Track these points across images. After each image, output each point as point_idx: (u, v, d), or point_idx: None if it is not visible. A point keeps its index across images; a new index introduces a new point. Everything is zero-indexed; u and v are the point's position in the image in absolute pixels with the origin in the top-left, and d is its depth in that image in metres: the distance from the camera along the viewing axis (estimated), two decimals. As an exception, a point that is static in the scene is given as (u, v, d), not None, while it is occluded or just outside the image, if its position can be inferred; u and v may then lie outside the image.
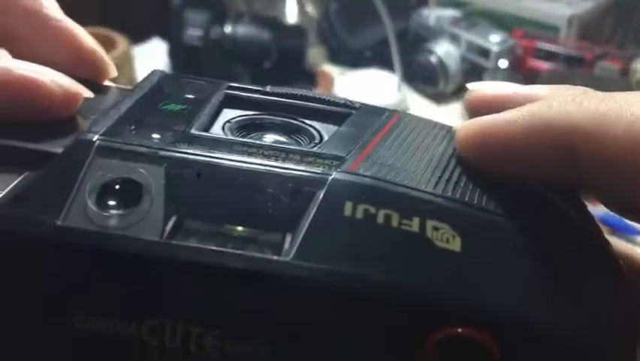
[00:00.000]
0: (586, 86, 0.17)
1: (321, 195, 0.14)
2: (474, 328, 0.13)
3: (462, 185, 0.16)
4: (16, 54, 0.18)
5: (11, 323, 0.14)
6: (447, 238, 0.14)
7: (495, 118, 0.16)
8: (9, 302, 0.14)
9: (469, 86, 0.18)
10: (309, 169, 0.15)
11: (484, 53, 0.91)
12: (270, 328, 0.14)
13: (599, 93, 0.15)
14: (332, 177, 0.15)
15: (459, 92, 0.94)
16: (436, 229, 0.14)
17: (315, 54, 1.03)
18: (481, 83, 0.18)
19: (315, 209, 0.14)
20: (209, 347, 0.13)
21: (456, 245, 0.14)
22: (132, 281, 0.13)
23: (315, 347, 0.14)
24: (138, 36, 0.98)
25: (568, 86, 0.17)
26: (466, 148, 0.17)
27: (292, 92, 0.19)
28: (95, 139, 0.15)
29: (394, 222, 0.14)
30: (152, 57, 1.01)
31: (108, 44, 0.80)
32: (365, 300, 0.14)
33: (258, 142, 0.17)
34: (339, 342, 0.14)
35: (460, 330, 0.13)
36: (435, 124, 0.20)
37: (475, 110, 0.18)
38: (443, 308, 0.14)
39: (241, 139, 0.17)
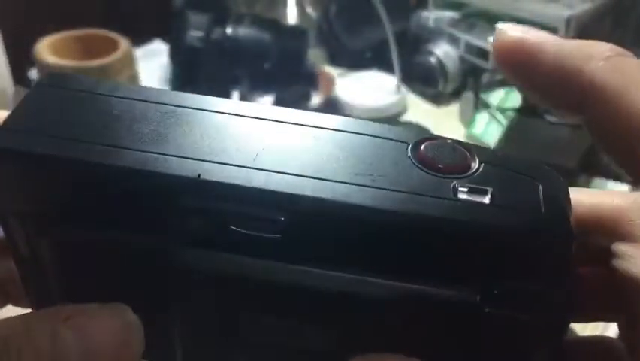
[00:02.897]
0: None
1: None
2: None
3: None
4: None
5: None
6: None
7: (542, 35, 0.17)
8: None
9: (499, 27, 0.18)
10: None
11: (483, 54, 0.92)
12: None
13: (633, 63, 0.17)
14: None
15: (458, 92, 0.95)
16: None
17: (315, 55, 1.03)
18: (509, 27, 0.18)
19: None
20: None
21: None
22: None
23: None
24: (140, 38, 0.99)
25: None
26: (503, 49, 0.18)
27: None
28: None
29: None
30: (153, 58, 1.02)
31: (110, 46, 0.81)
32: None
33: None
34: None
35: None
36: None
37: (504, 58, 0.18)
38: None
39: None
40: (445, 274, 0.17)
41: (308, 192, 0.16)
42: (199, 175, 0.16)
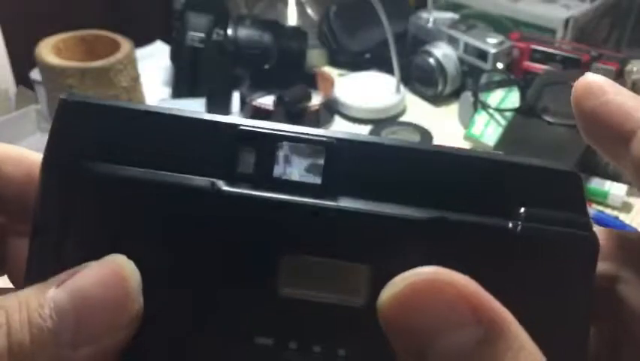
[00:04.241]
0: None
1: None
2: None
3: None
4: None
5: None
6: None
7: (617, 86, 0.20)
8: None
9: (588, 74, 0.20)
10: None
11: (482, 55, 0.93)
12: None
13: None
14: None
15: (457, 93, 0.95)
16: None
17: (315, 56, 1.04)
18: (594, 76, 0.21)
19: None
20: None
21: None
22: None
23: None
24: (142, 39, 0.99)
25: None
26: (583, 91, 0.20)
27: None
28: None
29: None
30: (154, 59, 1.03)
31: (112, 46, 0.81)
32: None
33: None
34: None
35: None
36: None
37: (580, 97, 0.20)
38: None
39: None
40: (480, 203, 0.19)
41: (350, 137, 0.19)
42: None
